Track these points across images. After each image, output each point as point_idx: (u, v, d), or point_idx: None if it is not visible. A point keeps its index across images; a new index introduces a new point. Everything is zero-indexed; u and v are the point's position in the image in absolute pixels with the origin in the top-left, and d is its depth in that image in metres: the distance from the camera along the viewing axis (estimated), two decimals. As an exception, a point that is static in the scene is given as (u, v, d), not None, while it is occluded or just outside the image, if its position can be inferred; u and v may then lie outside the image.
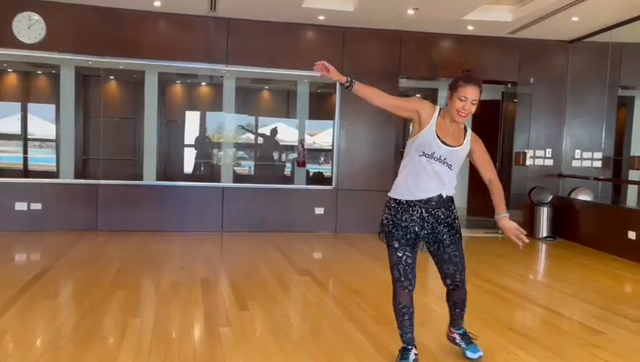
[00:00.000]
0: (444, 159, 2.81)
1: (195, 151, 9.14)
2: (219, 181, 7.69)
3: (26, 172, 8.23)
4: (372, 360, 3.10)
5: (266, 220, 7.33)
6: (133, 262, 5.47)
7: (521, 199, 7.83)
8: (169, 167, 8.81)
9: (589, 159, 7.92)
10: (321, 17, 7.00)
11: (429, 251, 2.96)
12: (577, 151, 7.95)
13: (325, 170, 8.53)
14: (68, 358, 2.92)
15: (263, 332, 3.51)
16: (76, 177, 7.44)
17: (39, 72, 8.42)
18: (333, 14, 6.83)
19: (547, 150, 7.90)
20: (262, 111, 9.37)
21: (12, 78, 8.44)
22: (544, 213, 7.70)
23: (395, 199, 2.88)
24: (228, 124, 8.17)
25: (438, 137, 2.79)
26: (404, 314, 2.93)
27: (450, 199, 2.93)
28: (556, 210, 7.70)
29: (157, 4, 6.65)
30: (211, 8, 6.71)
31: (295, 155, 8.61)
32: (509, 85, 8.10)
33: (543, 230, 7.71)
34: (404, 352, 2.94)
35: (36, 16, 6.66)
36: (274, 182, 8.35)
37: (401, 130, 9.75)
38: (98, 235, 6.70)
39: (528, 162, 7.84)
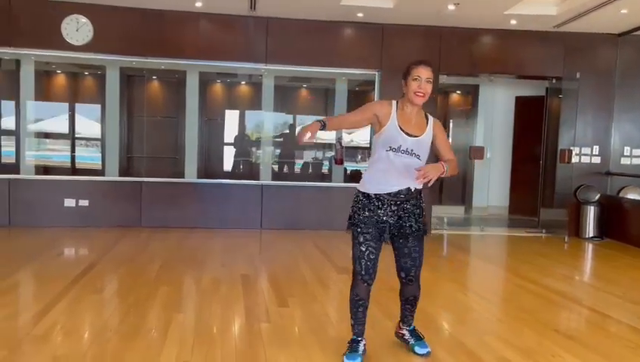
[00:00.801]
0: (412, 151, 2.82)
1: (235, 150, 9.27)
2: (258, 179, 7.77)
3: (73, 170, 8.52)
4: (409, 358, 3.07)
5: (305, 218, 7.36)
6: (176, 259, 5.59)
7: (566, 198, 7.60)
8: (209, 165, 8.96)
9: (640, 157, 7.64)
10: (360, 14, 6.97)
11: (391, 243, 2.97)
12: (627, 148, 7.67)
13: (363, 167, 8.50)
14: (114, 352, 3.01)
15: (302, 329, 3.53)
16: (121, 175, 7.66)
17: (86, 73, 8.71)
18: (373, 11, 6.79)
19: (594, 147, 7.64)
20: (300, 109, 9.41)
21: (61, 79, 8.75)
22: (591, 213, 7.45)
23: (364, 193, 2.89)
24: (267, 122, 8.24)
25: (402, 130, 2.82)
26: (359, 306, 2.94)
27: (419, 192, 2.93)
28: (603, 209, 7.44)
29: (198, 4, 6.76)
30: (251, 8, 6.78)
31: (333, 153, 8.61)
32: (554, 80, 7.87)
33: (590, 230, 7.46)
34: (353, 344, 2.96)
35: (84, 19, 6.88)
36: (312, 180, 8.38)
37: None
38: (141, 232, 6.88)
39: (574, 160, 7.59)
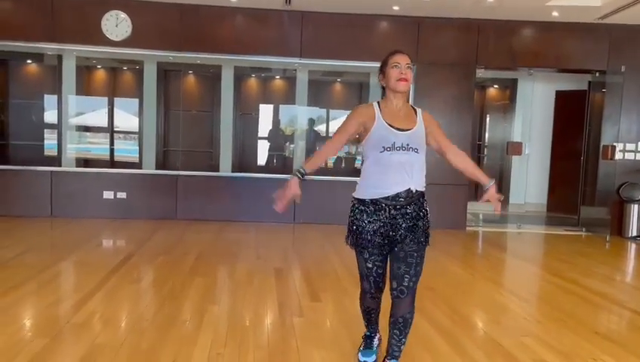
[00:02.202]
0: (407, 145, 2.53)
1: (269, 144, 9.31)
2: (291, 173, 7.78)
3: (112, 162, 8.73)
4: (445, 358, 3.02)
5: (338, 212, 7.26)
6: (210, 251, 5.66)
7: (608, 195, 7.36)
8: (244, 159, 9.02)
9: (688, 154, 7.32)
10: (396, 8, 6.88)
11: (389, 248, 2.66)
12: (674, 145, 7.36)
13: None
14: (150, 342, 3.07)
15: (334, 324, 3.52)
16: (157, 168, 7.80)
17: (124, 68, 8.88)
18: (409, 4, 6.70)
19: (639, 143, 7.36)
20: (334, 103, 9.38)
21: (100, 74, 8.96)
22: (635, 211, 7.20)
23: (360, 199, 2.61)
24: (300, 116, 8.24)
25: (391, 126, 2.56)
26: (370, 314, 2.85)
27: (421, 195, 2.60)
28: (648, 208, 7.17)
29: (234, -1, 6.81)
30: (286, 2, 6.78)
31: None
32: (597, 74, 7.61)
33: (633, 229, 7.21)
34: (367, 340, 2.92)
35: (123, 15, 7.02)
36: (345, 175, 8.34)
37: (477, 121, 9.46)
38: (177, 224, 7.00)
39: (617, 156, 7.32)
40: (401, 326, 2.57)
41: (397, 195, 2.53)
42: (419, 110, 2.70)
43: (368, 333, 2.94)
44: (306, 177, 2.69)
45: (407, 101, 2.74)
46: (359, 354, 2.86)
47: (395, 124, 2.57)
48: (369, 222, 2.57)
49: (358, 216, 2.61)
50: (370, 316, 2.87)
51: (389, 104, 2.63)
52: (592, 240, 7.20)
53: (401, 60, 2.60)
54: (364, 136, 2.61)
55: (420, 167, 2.58)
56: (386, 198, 2.54)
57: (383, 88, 2.67)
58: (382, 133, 2.56)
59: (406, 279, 2.52)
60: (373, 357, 2.83)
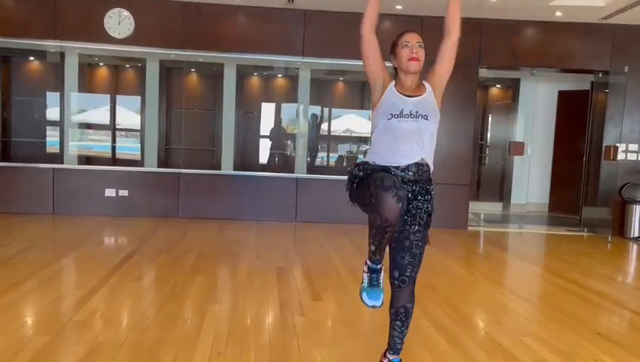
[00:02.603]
0: (417, 112, 2.42)
1: (270, 142, 9.31)
2: (293, 172, 7.79)
3: (114, 160, 8.73)
4: (446, 358, 3.02)
5: (339, 211, 7.29)
6: (212, 249, 5.67)
7: (610, 196, 7.35)
8: (245, 158, 9.03)
9: (691, 155, 7.31)
10: (399, 7, 6.87)
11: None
12: (677, 146, 7.35)
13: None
14: (151, 340, 3.07)
15: (336, 323, 3.53)
16: (159, 166, 7.80)
17: (127, 66, 8.88)
18: (412, 3, 6.69)
19: (642, 144, 7.36)
20: (336, 102, 9.38)
21: (103, 72, 8.96)
22: (636, 212, 7.19)
23: (368, 162, 2.45)
24: (303, 115, 8.24)
25: (401, 93, 2.46)
26: (386, 232, 2.26)
27: (429, 174, 2.48)
28: (650, 209, 7.16)
29: (236, -3, 6.80)
30: (289, 1, 6.77)
31: (368, 147, 8.54)
32: (600, 74, 7.60)
33: (635, 229, 7.21)
34: (374, 274, 2.44)
35: (125, 12, 7.02)
36: (347, 174, 8.34)
37: (480, 121, 9.45)
38: (179, 222, 7.01)
39: (620, 157, 7.31)
40: (402, 316, 2.53)
41: (407, 167, 2.41)
42: (424, 81, 2.58)
43: (374, 265, 2.43)
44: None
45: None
46: (363, 293, 2.44)
47: (405, 92, 2.48)
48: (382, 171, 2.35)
49: (369, 170, 2.41)
50: (385, 235, 2.28)
51: (402, 82, 2.52)
52: (594, 240, 7.19)
53: (411, 39, 2.51)
54: (378, 98, 2.51)
55: (430, 135, 2.45)
56: (397, 167, 2.40)
57: (396, 69, 2.58)
58: (391, 99, 2.46)
59: (409, 269, 2.49)
60: (382, 297, 2.43)
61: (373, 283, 2.44)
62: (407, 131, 2.40)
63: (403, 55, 2.50)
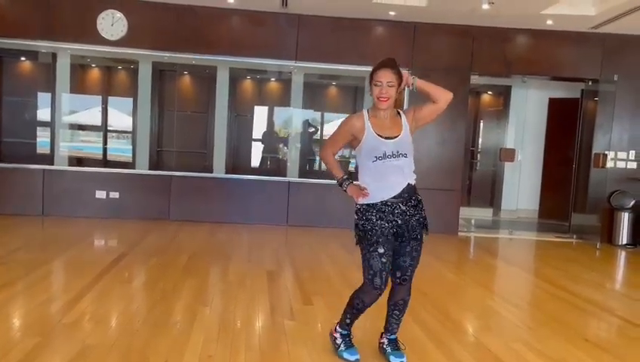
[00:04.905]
0: (397, 152, 2.78)
1: (263, 146, 9.31)
2: (285, 175, 7.80)
3: (105, 162, 8.69)
4: (437, 364, 3.04)
5: (331, 215, 7.35)
6: (203, 252, 5.66)
7: (599, 203, 7.42)
8: (238, 161, 9.02)
9: (679, 163, 7.40)
10: (392, 13, 6.91)
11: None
12: (664, 154, 7.44)
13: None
14: (142, 342, 3.06)
15: (326, 328, 3.52)
16: (151, 168, 7.76)
17: (119, 67, 8.86)
18: (405, 9, 6.73)
19: (630, 152, 7.43)
20: (329, 106, 9.40)
21: (95, 73, 8.93)
22: (625, 219, 7.25)
23: (370, 204, 2.80)
24: (295, 119, 8.25)
25: (380, 136, 2.78)
26: (361, 311, 2.94)
27: (415, 190, 2.86)
28: (638, 216, 7.23)
29: (231, 0, 6.81)
30: (283, 5, 6.79)
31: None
32: (590, 82, 7.68)
33: (623, 237, 7.27)
34: (347, 338, 3.01)
35: (119, 14, 7.01)
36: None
37: (471, 127, 9.52)
38: (170, 225, 6.98)
39: (609, 164, 7.39)
40: (401, 306, 2.95)
41: (401, 192, 2.79)
42: (402, 114, 2.88)
43: (345, 332, 3.02)
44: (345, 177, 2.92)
45: (394, 107, 2.88)
46: (344, 353, 2.96)
47: (384, 133, 2.78)
48: (382, 221, 2.77)
49: (369, 217, 2.79)
50: (360, 313, 2.96)
51: (377, 114, 2.82)
52: (583, 247, 7.25)
53: (383, 78, 2.73)
54: (356, 145, 2.85)
55: (409, 167, 2.83)
56: (395, 197, 2.79)
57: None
58: (372, 143, 2.78)
59: (410, 269, 2.87)
60: (358, 355, 2.95)
61: (348, 344, 2.98)
62: (391, 168, 2.78)
63: (374, 92, 2.77)
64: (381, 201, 2.79)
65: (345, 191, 2.87)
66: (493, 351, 3.22)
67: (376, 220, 2.77)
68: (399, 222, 2.79)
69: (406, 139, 2.82)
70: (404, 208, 2.80)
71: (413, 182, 2.83)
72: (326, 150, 2.97)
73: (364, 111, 2.86)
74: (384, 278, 2.78)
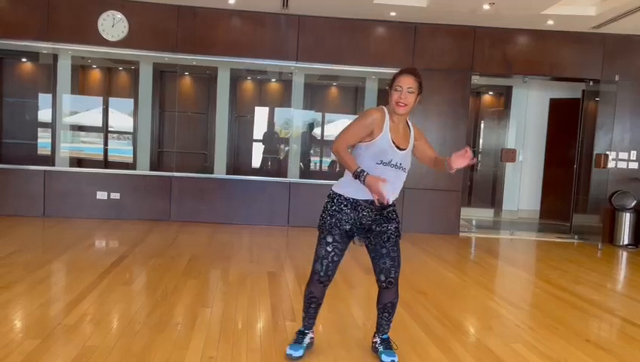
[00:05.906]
0: (400, 164, 2.80)
1: (263, 147, 9.31)
2: (286, 176, 7.80)
3: (106, 163, 8.69)
4: (438, 365, 3.03)
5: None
6: (204, 253, 5.65)
7: (600, 203, 7.42)
8: (238, 162, 9.03)
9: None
10: (393, 13, 6.91)
11: (367, 246, 2.92)
12: (666, 155, 7.43)
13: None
14: (142, 344, 3.06)
15: (328, 329, 3.52)
16: (152, 169, 7.78)
17: (120, 68, 8.87)
18: (406, 10, 6.73)
19: (632, 152, 7.42)
20: (329, 107, 9.41)
21: (96, 74, 8.95)
22: (626, 219, 7.25)
23: (344, 196, 2.83)
24: (296, 120, 8.26)
25: (394, 143, 2.77)
26: (312, 303, 2.97)
27: (391, 205, 2.88)
28: (640, 217, 7.23)
29: (231, 1, 6.81)
30: (283, 6, 6.79)
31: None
32: (591, 83, 7.67)
33: (625, 237, 7.26)
34: (299, 335, 3.01)
35: (119, 15, 7.01)
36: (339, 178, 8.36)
37: (472, 128, 9.52)
38: (170, 225, 6.98)
39: (610, 165, 7.39)
40: (389, 309, 2.97)
41: (379, 203, 2.74)
42: (411, 127, 2.89)
43: (302, 329, 3.03)
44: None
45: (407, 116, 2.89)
46: (288, 347, 2.96)
47: (396, 141, 2.78)
48: (345, 215, 2.81)
49: (337, 209, 2.82)
50: (310, 306, 2.97)
51: (393, 117, 2.80)
52: (584, 247, 7.24)
53: (404, 84, 2.74)
54: (368, 140, 2.76)
55: (401, 182, 2.85)
56: (366, 201, 2.78)
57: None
58: (384, 147, 2.75)
59: (392, 271, 2.89)
60: (301, 352, 2.93)
61: (297, 341, 2.97)
62: (387, 177, 2.70)
63: (393, 97, 2.76)
64: (353, 198, 2.80)
65: (362, 182, 2.68)
66: (494, 352, 3.22)
67: (340, 212, 2.80)
68: (362, 221, 2.82)
69: (410, 154, 2.87)
70: (372, 213, 2.81)
71: (394, 200, 2.77)
72: (341, 143, 2.77)
73: (384, 108, 2.80)
74: (324, 266, 2.84)
